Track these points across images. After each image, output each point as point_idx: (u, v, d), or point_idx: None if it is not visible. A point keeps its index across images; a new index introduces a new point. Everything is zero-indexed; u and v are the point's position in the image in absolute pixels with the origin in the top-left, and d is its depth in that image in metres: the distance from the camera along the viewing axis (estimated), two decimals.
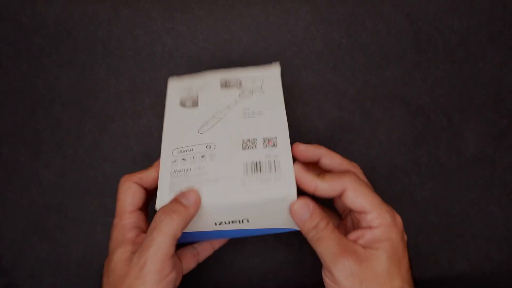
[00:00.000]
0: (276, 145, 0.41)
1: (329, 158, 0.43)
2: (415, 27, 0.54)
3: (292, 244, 0.53)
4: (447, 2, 0.54)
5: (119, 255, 0.38)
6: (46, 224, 0.53)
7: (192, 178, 0.39)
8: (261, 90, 0.45)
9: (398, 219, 0.40)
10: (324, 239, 0.38)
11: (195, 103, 0.45)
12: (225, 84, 0.46)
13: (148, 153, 0.53)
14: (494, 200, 0.54)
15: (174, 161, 0.41)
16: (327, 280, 0.38)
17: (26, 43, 0.53)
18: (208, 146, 0.41)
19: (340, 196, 0.39)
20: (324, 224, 0.38)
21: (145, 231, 0.41)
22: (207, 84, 0.47)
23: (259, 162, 0.40)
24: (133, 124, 0.53)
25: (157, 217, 0.37)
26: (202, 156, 0.41)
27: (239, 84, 0.46)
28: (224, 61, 0.53)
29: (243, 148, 0.41)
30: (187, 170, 0.40)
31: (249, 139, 0.41)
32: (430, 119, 0.54)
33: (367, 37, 0.54)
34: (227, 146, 0.41)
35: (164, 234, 0.36)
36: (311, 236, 0.38)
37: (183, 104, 0.45)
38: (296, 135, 0.54)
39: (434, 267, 0.54)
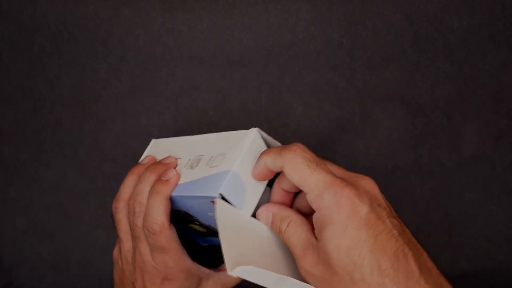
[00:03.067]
0: None
1: (263, 166, 0.37)
2: (415, 27, 0.54)
3: None
4: (447, 2, 0.54)
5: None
6: (46, 224, 0.53)
7: None
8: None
9: (344, 190, 0.32)
10: (290, 239, 0.35)
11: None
12: None
13: None
14: (494, 200, 0.54)
15: None
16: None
17: (27, 43, 0.53)
18: None
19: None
20: (285, 226, 0.35)
21: None
22: None
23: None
24: (134, 124, 0.53)
25: None
26: None
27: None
28: (224, 61, 0.53)
29: None
30: None
31: None
32: (430, 119, 0.54)
33: (367, 37, 0.54)
34: None
35: None
36: (281, 236, 0.36)
37: None
38: (296, 135, 0.54)
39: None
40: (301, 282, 0.35)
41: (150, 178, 0.40)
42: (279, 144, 0.39)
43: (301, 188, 0.34)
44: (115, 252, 0.44)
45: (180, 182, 0.40)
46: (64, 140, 0.53)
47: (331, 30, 0.54)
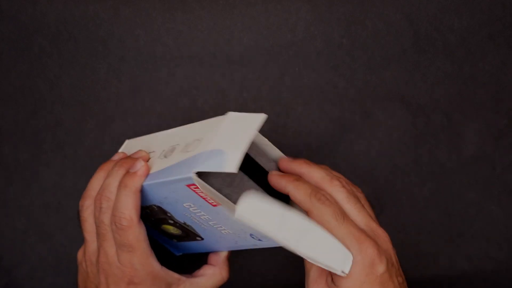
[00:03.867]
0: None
1: (294, 199, 0.37)
2: (415, 27, 0.54)
3: None
4: (447, 2, 0.54)
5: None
6: (46, 224, 0.53)
7: None
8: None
9: (367, 247, 0.34)
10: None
11: None
12: None
13: None
14: (494, 200, 0.54)
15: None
16: None
17: (27, 43, 0.53)
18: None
19: None
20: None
21: None
22: None
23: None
24: (134, 124, 0.53)
25: None
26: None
27: None
28: (224, 61, 0.53)
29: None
30: None
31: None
32: (430, 119, 0.54)
33: (367, 37, 0.54)
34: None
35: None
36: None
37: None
38: (296, 135, 0.54)
39: (434, 266, 0.54)
40: (305, 217, 0.35)
41: (118, 172, 0.39)
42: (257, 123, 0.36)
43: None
44: (80, 254, 0.42)
45: (153, 171, 0.38)
46: (64, 140, 0.53)
47: (331, 30, 0.54)
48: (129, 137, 0.53)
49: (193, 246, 0.45)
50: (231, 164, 0.33)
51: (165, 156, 0.39)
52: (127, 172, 0.39)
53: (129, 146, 0.46)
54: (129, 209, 0.37)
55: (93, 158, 0.53)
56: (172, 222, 0.41)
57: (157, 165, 0.39)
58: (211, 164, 0.34)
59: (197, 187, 0.34)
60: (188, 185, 0.35)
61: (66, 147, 0.53)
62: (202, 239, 0.42)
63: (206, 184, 0.34)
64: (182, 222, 0.41)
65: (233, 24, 0.53)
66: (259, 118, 0.35)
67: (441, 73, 0.54)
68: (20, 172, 0.53)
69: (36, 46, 0.53)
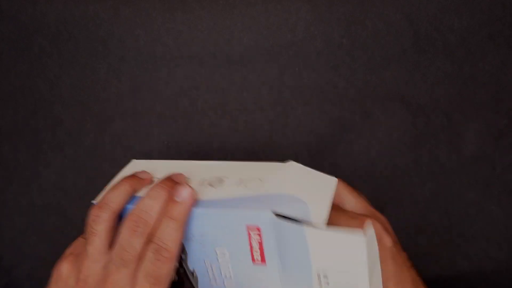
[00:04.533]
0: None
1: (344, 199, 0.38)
2: (415, 27, 0.54)
3: None
4: (447, 2, 0.54)
5: None
6: (46, 224, 0.53)
7: None
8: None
9: (376, 224, 0.35)
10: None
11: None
12: None
13: (149, 153, 0.53)
14: (494, 200, 0.54)
15: None
16: None
17: (27, 43, 0.53)
18: None
19: None
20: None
21: None
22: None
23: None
24: (134, 124, 0.53)
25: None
26: None
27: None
28: (224, 61, 0.53)
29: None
30: None
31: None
32: (430, 119, 0.54)
33: (367, 37, 0.54)
34: None
35: None
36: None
37: None
38: (297, 135, 0.54)
39: (434, 266, 0.54)
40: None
41: (161, 195, 0.34)
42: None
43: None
44: (65, 266, 0.36)
45: (201, 196, 0.34)
46: (64, 140, 0.53)
47: (331, 30, 0.54)
48: (129, 138, 0.53)
49: None
50: (319, 215, 0.30)
51: (211, 185, 0.35)
52: (172, 199, 0.34)
53: (137, 167, 0.40)
54: (174, 243, 0.33)
55: (93, 158, 0.53)
56: (177, 265, 0.37)
57: (204, 193, 0.34)
58: (295, 210, 0.31)
59: (258, 232, 0.31)
60: (249, 226, 0.31)
61: (66, 147, 0.53)
62: None
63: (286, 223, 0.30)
64: (192, 269, 0.37)
65: (233, 24, 0.53)
66: (333, 182, 0.33)
67: (441, 73, 0.54)
68: (20, 172, 0.53)
69: (36, 46, 0.53)
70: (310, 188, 0.33)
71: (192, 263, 0.36)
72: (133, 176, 0.37)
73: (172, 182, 0.35)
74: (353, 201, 0.37)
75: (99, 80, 0.53)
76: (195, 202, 0.34)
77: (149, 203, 0.34)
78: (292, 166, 0.35)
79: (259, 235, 0.31)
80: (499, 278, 0.54)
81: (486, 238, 0.54)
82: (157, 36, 0.53)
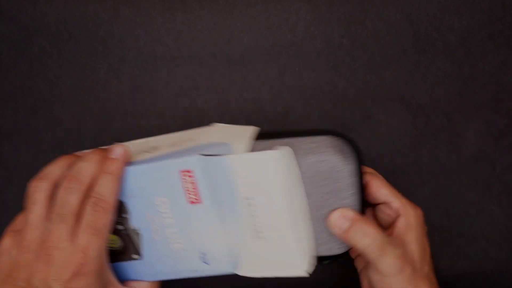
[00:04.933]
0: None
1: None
2: (415, 27, 0.54)
3: None
4: (447, 2, 0.54)
5: None
6: None
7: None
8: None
9: (419, 209, 0.43)
10: (384, 251, 0.38)
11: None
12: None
13: None
14: (494, 200, 0.54)
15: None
16: (373, 276, 0.40)
17: (26, 43, 0.53)
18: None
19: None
20: (374, 230, 0.38)
21: None
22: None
23: None
24: (134, 124, 0.53)
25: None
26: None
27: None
28: (224, 61, 0.53)
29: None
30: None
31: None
32: (430, 119, 0.54)
33: (367, 37, 0.54)
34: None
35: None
36: (367, 246, 0.38)
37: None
38: None
39: (434, 266, 0.54)
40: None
41: (93, 157, 0.37)
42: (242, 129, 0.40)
43: (387, 198, 0.42)
44: (6, 240, 0.36)
45: (136, 159, 0.37)
46: (64, 140, 0.53)
47: (331, 30, 0.54)
48: (129, 138, 0.53)
49: (121, 269, 0.41)
50: (239, 148, 0.35)
51: (147, 152, 0.39)
52: (107, 158, 0.37)
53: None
54: (111, 195, 0.36)
55: None
56: (120, 228, 0.39)
57: (139, 157, 0.38)
58: (220, 150, 0.35)
59: (190, 174, 0.35)
60: (182, 171, 0.35)
61: (66, 147, 0.53)
62: (139, 257, 0.40)
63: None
64: (136, 228, 0.39)
65: (233, 24, 0.53)
66: (251, 128, 0.37)
67: (441, 73, 0.54)
68: (20, 172, 0.53)
69: (36, 46, 0.53)
70: (232, 135, 0.37)
71: (135, 221, 0.38)
72: (71, 154, 0.39)
73: (104, 148, 0.38)
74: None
75: (99, 80, 0.53)
76: (128, 157, 0.37)
77: (83, 165, 0.37)
78: (217, 125, 0.40)
79: (191, 176, 0.35)
80: (499, 278, 0.54)
81: (486, 238, 0.54)
82: (157, 36, 0.53)
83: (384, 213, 0.43)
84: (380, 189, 0.42)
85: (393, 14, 0.54)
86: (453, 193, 0.54)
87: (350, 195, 0.38)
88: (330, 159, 0.37)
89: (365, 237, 0.38)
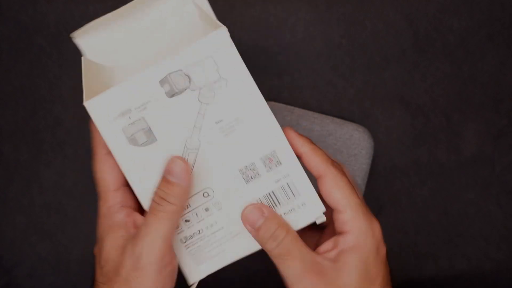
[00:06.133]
0: (279, 162, 0.34)
1: (309, 160, 0.35)
2: (415, 27, 0.54)
3: None
4: (446, 2, 0.54)
5: (111, 242, 0.34)
6: (46, 224, 0.53)
7: (211, 240, 0.35)
8: (220, 78, 0.34)
9: (376, 226, 0.34)
10: (287, 257, 0.33)
11: (151, 137, 0.34)
12: (171, 91, 0.33)
13: None
14: (493, 200, 0.54)
15: (177, 227, 0.35)
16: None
17: (27, 43, 0.53)
18: (206, 194, 0.35)
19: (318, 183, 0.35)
20: (284, 234, 0.33)
21: (135, 208, 0.36)
22: (148, 98, 0.33)
23: (273, 194, 0.34)
24: None
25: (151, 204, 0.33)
26: (206, 209, 0.35)
27: (188, 81, 0.33)
28: None
29: (246, 182, 0.34)
30: (199, 232, 0.35)
31: (246, 167, 0.34)
32: (430, 119, 0.54)
33: (367, 37, 0.54)
34: (227, 186, 0.34)
35: (161, 218, 0.32)
36: (271, 249, 0.33)
37: (134, 142, 0.34)
38: None
39: (433, 266, 0.54)
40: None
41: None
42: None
43: (337, 206, 0.34)
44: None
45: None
46: (64, 140, 0.53)
47: (331, 30, 0.54)
48: None
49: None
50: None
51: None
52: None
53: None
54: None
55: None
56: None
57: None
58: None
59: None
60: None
61: (66, 147, 0.53)
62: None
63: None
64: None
65: (233, 24, 0.53)
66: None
67: (441, 73, 0.54)
68: (20, 171, 0.53)
69: (36, 46, 0.53)
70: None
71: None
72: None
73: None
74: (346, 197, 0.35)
75: None
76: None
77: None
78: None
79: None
80: (498, 278, 0.54)
81: (485, 238, 0.54)
82: None
83: (336, 220, 0.35)
84: (331, 192, 0.34)
85: (393, 14, 0.54)
86: (452, 193, 0.54)
87: None
88: None
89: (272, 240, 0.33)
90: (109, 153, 0.35)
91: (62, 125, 0.53)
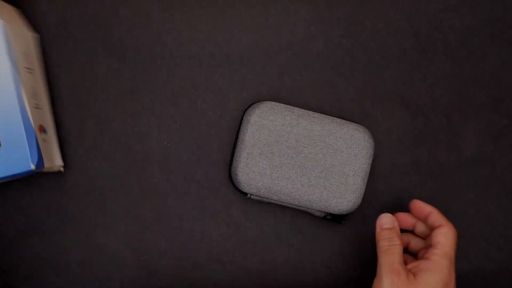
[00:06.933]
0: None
1: (437, 213, 0.47)
2: (415, 27, 0.54)
3: (292, 245, 0.53)
4: (447, 2, 0.54)
5: None
6: (46, 224, 0.53)
7: None
8: None
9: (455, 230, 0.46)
10: (390, 254, 0.44)
11: None
12: None
13: (148, 153, 0.53)
14: (493, 200, 0.54)
15: None
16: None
17: None
18: None
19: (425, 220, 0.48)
20: (397, 241, 0.45)
21: None
22: None
23: None
24: (133, 124, 0.53)
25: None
26: None
27: None
28: (224, 61, 0.53)
29: None
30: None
31: None
32: (430, 119, 0.54)
33: (367, 37, 0.54)
34: None
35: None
36: (382, 244, 0.45)
37: None
38: None
39: None
40: None
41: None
42: None
43: (437, 244, 0.45)
44: None
45: None
46: (64, 140, 0.53)
47: (331, 30, 0.54)
48: (129, 138, 0.53)
49: None
50: None
51: None
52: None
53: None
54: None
55: (93, 158, 0.53)
56: None
57: None
58: None
59: None
60: None
61: (66, 147, 0.53)
62: None
63: None
64: None
65: (233, 24, 0.53)
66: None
67: (441, 73, 0.54)
68: None
69: None
70: None
71: None
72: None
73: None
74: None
75: (99, 80, 0.53)
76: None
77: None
78: None
79: None
80: (498, 279, 0.54)
81: (485, 238, 0.54)
82: (157, 36, 0.53)
83: (421, 231, 0.49)
84: (423, 205, 0.48)
85: (393, 14, 0.54)
86: (452, 193, 0.54)
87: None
88: None
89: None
90: None
91: (61, 125, 0.53)
